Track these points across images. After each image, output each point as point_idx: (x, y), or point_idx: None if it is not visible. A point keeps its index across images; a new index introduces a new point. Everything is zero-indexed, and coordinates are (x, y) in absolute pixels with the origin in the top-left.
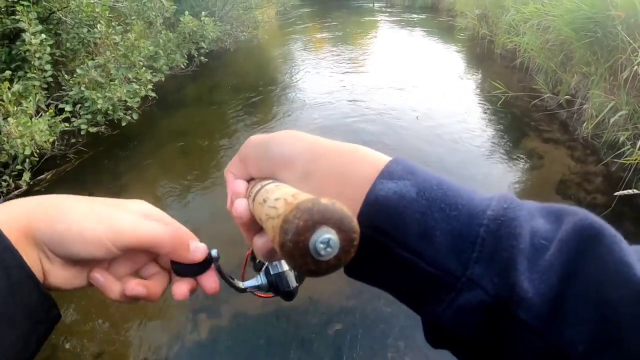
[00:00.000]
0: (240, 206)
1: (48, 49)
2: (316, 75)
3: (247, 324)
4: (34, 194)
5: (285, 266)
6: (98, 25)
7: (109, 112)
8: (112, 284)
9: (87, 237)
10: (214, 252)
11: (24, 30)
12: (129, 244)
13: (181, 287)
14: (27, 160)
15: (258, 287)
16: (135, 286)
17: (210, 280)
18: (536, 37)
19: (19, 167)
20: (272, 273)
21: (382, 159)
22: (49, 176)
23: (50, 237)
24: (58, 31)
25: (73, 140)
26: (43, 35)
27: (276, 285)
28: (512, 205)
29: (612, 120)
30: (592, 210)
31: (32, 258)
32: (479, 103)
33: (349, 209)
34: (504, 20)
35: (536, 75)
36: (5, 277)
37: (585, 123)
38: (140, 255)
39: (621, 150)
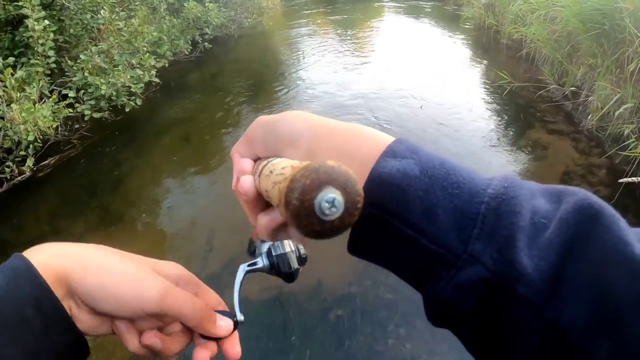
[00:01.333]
0: (246, 182)
1: (51, 35)
2: (320, 62)
3: (249, 309)
4: (38, 180)
5: (287, 247)
6: (101, 11)
7: (112, 97)
8: (132, 337)
9: (120, 301)
10: (240, 317)
11: (27, 17)
12: (157, 312)
13: (202, 353)
14: (31, 146)
15: (260, 269)
16: (151, 337)
17: (233, 346)
18: (543, 27)
19: (22, 152)
20: (274, 254)
21: (385, 139)
22: (52, 162)
23: (83, 291)
24: (61, 17)
25: (77, 126)
26: (46, 22)
27: (277, 266)
28: (513, 185)
29: (617, 112)
30: None
31: (63, 302)
32: (484, 92)
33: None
34: (511, 10)
35: (542, 66)
36: (41, 318)
37: (590, 115)
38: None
39: (625, 143)
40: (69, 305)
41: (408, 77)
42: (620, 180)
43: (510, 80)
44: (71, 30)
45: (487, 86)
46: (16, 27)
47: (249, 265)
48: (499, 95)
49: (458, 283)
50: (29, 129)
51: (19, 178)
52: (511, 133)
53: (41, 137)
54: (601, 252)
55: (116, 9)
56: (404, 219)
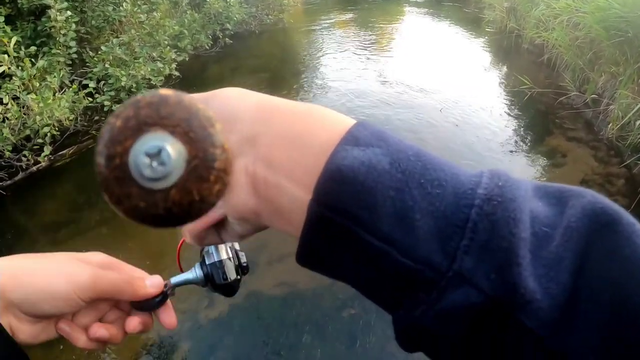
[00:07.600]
0: None
1: (73, 26)
2: (340, 62)
3: (262, 304)
4: (55, 170)
5: (223, 254)
6: (124, 4)
7: (132, 89)
8: (77, 333)
9: (57, 296)
10: (172, 281)
11: (49, 7)
12: (93, 296)
13: (133, 320)
14: (48, 135)
15: (192, 282)
16: (97, 329)
17: (168, 316)
18: (565, 33)
19: (40, 140)
20: (207, 263)
21: (345, 122)
22: (70, 152)
23: (21, 299)
24: (83, 9)
25: (96, 118)
26: (68, 12)
27: (212, 278)
28: (509, 183)
29: (638, 122)
30: None
31: (2, 318)
32: (504, 97)
33: (221, 131)
34: (533, 15)
35: (563, 72)
36: None
37: (611, 124)
38: (102, 304)
39: None
40: (8, 320)
41: (428, 80)
42: None
43: (531, 86)
44: (93, 22)
45: (507, 91)
46: (38, 17)
47: (176, 282)
48: (519, 100)
49: (442, 308)
50: (45, 120)
51: (34, 168)
52: (530, 139)
53: (57, 127)
54: (621, 271)
55: (138, 2)
56: (370, 226)
